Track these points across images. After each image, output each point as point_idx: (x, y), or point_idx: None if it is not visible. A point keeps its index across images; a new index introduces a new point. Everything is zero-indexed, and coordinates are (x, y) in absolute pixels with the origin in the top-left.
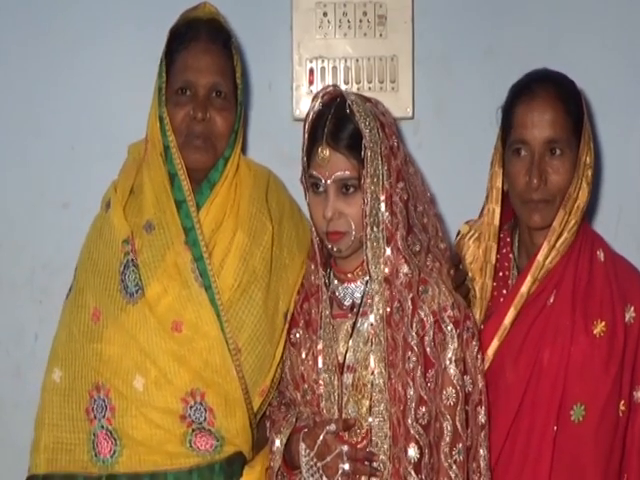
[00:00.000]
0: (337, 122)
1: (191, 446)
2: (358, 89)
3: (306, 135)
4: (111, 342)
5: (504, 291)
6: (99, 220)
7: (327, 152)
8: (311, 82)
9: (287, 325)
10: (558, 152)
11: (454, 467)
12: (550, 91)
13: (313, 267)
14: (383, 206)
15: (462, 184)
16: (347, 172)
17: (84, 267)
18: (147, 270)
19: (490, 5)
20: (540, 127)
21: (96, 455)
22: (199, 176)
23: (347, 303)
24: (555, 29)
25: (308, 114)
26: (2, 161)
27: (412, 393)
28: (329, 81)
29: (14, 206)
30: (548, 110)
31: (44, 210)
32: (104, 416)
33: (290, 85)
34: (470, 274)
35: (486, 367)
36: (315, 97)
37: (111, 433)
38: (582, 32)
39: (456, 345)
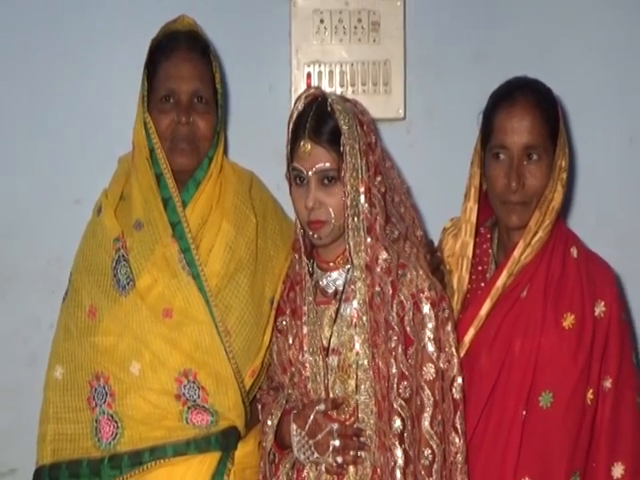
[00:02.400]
0: (318, 118)
1: (187, 422)
2: (353, 92)
3: (290, 132)
4: (107, 333)
5: (482, 284)
6: (91, 224)
7: (309, 146)
8: (309, 85)
9: (274, 311)
10: (535, 157)
11: (435, 437)
12: (529, 99)
13: (297, 257)
14: (362, 198)
15: (451, 182)
16: (327, 164)
17: (79, 269)
18: (137, 263)
19: (478, 13)
20: (519, 133)
21: (99, 440)
22: (185, 177)
23: (330, 291)
24: (540, 36)
25: (292, 113)
26: (20, 162)
27: (394, 370)
28: (326, 84)
29: (30, 203)
30: (527, 117)
31: (58, 206)
32: (105, 402)
33: (289, 88)
34: (448, 267)
35: (462, 354)
36: (299, 98)
37: (112, 417)
38: (566, 39)
39: (434, 324)
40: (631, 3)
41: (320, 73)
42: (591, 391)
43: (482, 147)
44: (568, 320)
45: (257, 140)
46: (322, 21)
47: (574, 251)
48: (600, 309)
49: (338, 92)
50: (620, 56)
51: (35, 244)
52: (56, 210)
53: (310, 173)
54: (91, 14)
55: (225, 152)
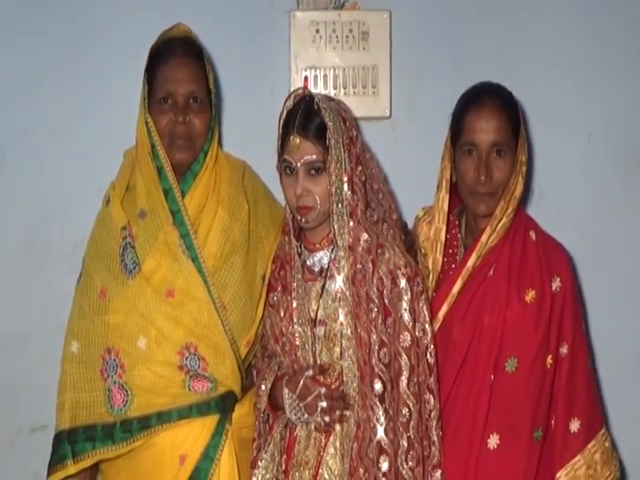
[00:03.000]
0: (306, 115)
1: (190, 389)
2: (345, 93)
3: (280, 127)
4: (116, 312)
5: (453, 265)
6: (101, 214)
7: (297, 140)
8: (306, 88)
9: (265, 287)
10: (501, 153)
11: (411, 397)
12: (495, 102)
13: (287, 239)
14: (346, 186)
15: (431, 174)
16: (314, 156)
17: (90, 254)
18: (142, 249)
19: (455, 25)
20: (487, 132)
21: (111, 407)
22: (183, 169)
23: (316, 269)
24: (508, 46)
25: (282, 110)
26: (52, 156)
27: (375, 338)
28: (321, 87)
29: (60, 191)
30: (493, 118)
31: (84, 194)
32: (116, 372)
33: (288, 90)
34: (423, 250)
35: (437, 328)
36: (288, 97)
37: (122, 386)
38: (530, 48)
39: (409, 297)
40: (585, 21)
41: (316, 77)
42: (550, 357)
43: (452, 144)
44: (529, 295)
45: (259, 136)
46: (318, 31)
47: (533, 234)
48: (557, 284)
49: (332, 94)
50: (579, 63)
51: (64, 228)
52: (83, 197)
53: (299, 164)
54: (110, 33)
55: (220, 144)
